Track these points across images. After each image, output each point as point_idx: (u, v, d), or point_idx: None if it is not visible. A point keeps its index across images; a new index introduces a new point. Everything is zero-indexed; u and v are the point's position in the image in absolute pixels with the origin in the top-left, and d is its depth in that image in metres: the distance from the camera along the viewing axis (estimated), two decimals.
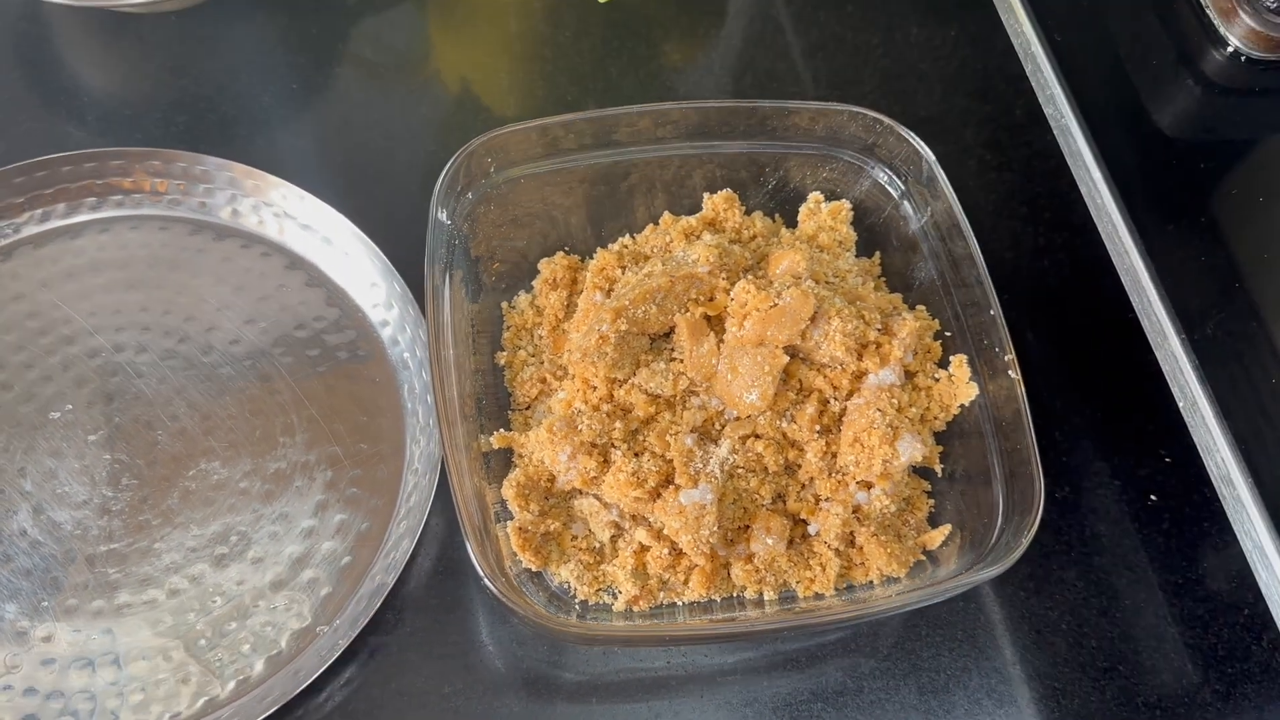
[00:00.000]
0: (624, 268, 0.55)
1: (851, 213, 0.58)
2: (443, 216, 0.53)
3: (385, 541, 0.53)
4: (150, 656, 0.50)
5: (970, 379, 0.53)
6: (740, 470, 0.50)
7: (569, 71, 0.70)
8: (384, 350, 0.58)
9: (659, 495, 0.49)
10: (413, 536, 0.52)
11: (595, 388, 0.50)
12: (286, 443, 0.55)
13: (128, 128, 0.64)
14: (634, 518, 0.51)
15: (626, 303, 0.50)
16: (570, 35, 0.71)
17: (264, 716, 0.48)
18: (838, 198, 0.59)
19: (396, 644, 0.52)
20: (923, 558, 0.52)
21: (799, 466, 0.51)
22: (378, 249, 0.58)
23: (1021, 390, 0.51)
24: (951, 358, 0.53)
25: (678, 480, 0.49)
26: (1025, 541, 0.47)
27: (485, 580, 0.45)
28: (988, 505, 0.51)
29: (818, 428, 0.51)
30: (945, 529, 0.52)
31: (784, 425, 0.51)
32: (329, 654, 0.50)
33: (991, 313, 0.52)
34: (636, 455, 0.50)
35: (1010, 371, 0.51)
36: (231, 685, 0.50)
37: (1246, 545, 0.48)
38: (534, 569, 0.50)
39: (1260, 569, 0.48)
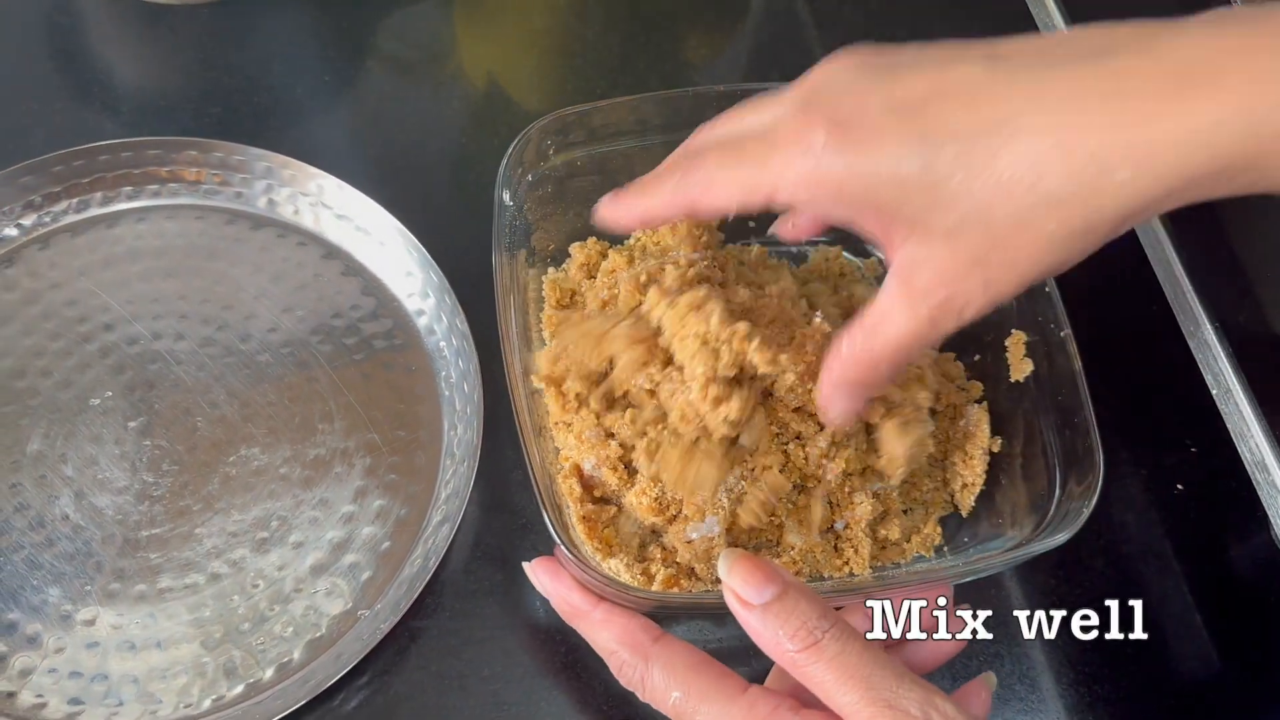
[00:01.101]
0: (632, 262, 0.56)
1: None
2: (506, 198, 0.54)
3: (425, 527, 0.54)
4: (192, 641, 0.51)
5: (1025, 355, 0.54)
6: (748, 496, 0.50)
7: (594, 66, 0.71)
8: (420, 339, 0.59)
9: (675, 519, 0.50)
10: (452, 522, 0.52)
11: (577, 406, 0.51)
12: (325, 429, 0.56)
13: (161, 119, 0.65)
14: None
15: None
16: (596, 30, 0.72)
17: (305, 701, 0.49)
18: None
19: (436, 628, 0.52)
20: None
21: (811, 483, 0.51)
22: (414, 238, 0.59)
23: (1078, 365, 0.51)
24: (1010, 335, 0.54)
25: (685, 511, 0.49)
26: (1087, 510, 0.48)
27: (564, 548, 0.45)
28: (1043, 478, 0.51)
29: (824, 460, 0.51)
30: (976, 488, 0.53)
31: (790, 448, 0.50)
32: (370, 638, 0.50)
33: (1046, 289, 0.53)
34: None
35: (1068, 346, 0.52)
36: (272, 670, 0.51)
37: (1277, 533, 0.49)
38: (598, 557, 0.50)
39: None
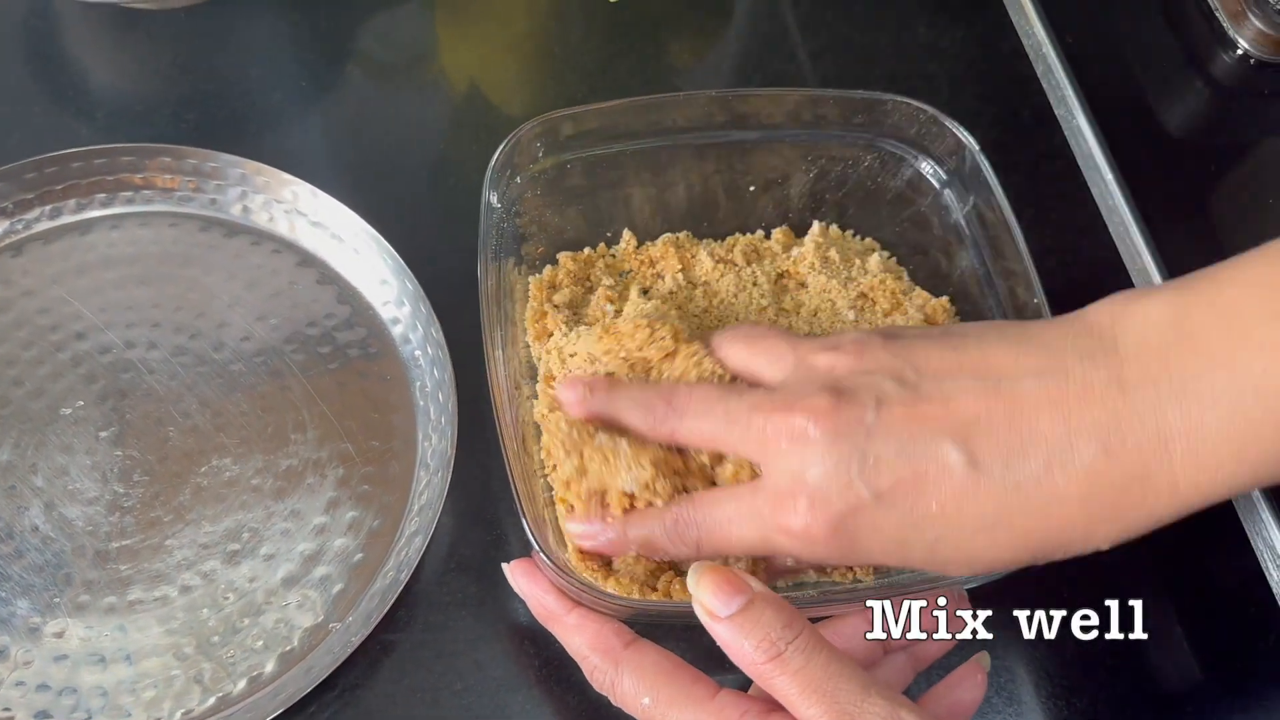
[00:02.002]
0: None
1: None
2: (493, 200, 0.54)
3: (398, 538, 0.53)
4: (162, 653, 0.50)
5: None
6: None
7: (577, 70, 0.70)
8: (395, 348, 0.58)
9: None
10: (425, 533, 0.52)
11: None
12: (298, 439, 0.55)
13: (137, 124, 0.64)
14: None
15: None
16: (578, 35, 0.71)
17: (276, 714, 0.48)
18: (879, 187, 0.59)
19: (409, 641, 0.52)
20: None
21: None
22: (389, 246, 0.58)
23: None
24: None
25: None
26: None
27: (542, 554, 0.46)
28: None
29: None
30: None
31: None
32: (341, 651, 0.50)
33: (1036, 301, 0.53)
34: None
35: None
36: (244, 683, 0.50)
37: (1258, 544, 0.48)
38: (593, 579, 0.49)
39: (1272, 569, 0.49)
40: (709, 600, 0.40)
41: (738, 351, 0.48)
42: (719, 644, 0.40)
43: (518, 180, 0.56)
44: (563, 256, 0.58)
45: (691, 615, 0.42)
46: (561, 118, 0.56)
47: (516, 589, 0.48)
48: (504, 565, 0.48)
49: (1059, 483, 0.40)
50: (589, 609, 0.46)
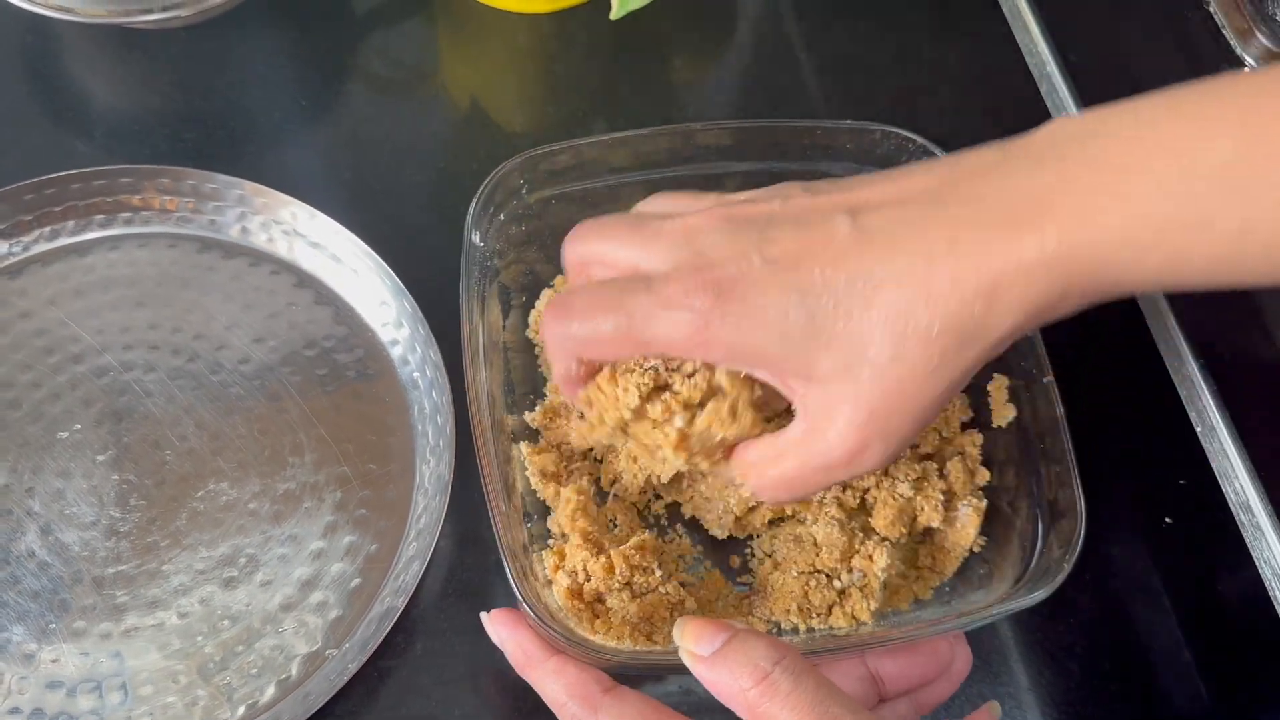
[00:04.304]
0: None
1: None
2: (476, 238, 0.53)
3: (395, 563, 0.53)
4: (158, 680, 0.50)
5: (1007, 401, 0.53)
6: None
7: (579, 88, 0.70)
8: (393, 369, 0.58)
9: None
10: (423, 559, 0.51)
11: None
12: (295, 463, 0.55)
13: (136, 144, 0.64)
14: None
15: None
16: (580, 52, 0.71)
17: None
18: None
19: (406, 668, 0.51)
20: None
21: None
22: (387, 267, 0.58)
23: (1060, 411, 0.51)
24: (991, 381, 0.54)
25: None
26: (1068, 565, 0.48)
27: (526, 606, 0.45)
28: (1029, 528, 0.51)
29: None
30: (971, 528, 0.52)
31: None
32: (338, 678, 0.49)
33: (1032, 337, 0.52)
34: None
35: (1050, 392, 0.52)
36: (241, 710, 0.50)
37: (1266, 574, 0.48)
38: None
39: (1278, 593, 0.48)
40: (694, 645, 0.40)
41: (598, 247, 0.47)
42: (708, 687, 0.40)
43: (500, 218, 0.55)
44: (559, 281, 0.57)
45: (677, 662, 0.41)
46: (544, 154, 0.55)
47: (495, 638, 0.47)
48: (483, 615, 0.48)
49: (935, 241, 0.41)
50: (569, 656, 0.45)
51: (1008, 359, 0.53)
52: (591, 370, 0.47)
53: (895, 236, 0.41)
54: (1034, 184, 0.40)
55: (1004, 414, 0.53)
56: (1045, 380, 0.52)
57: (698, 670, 0.40)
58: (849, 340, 0.41)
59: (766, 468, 0.45)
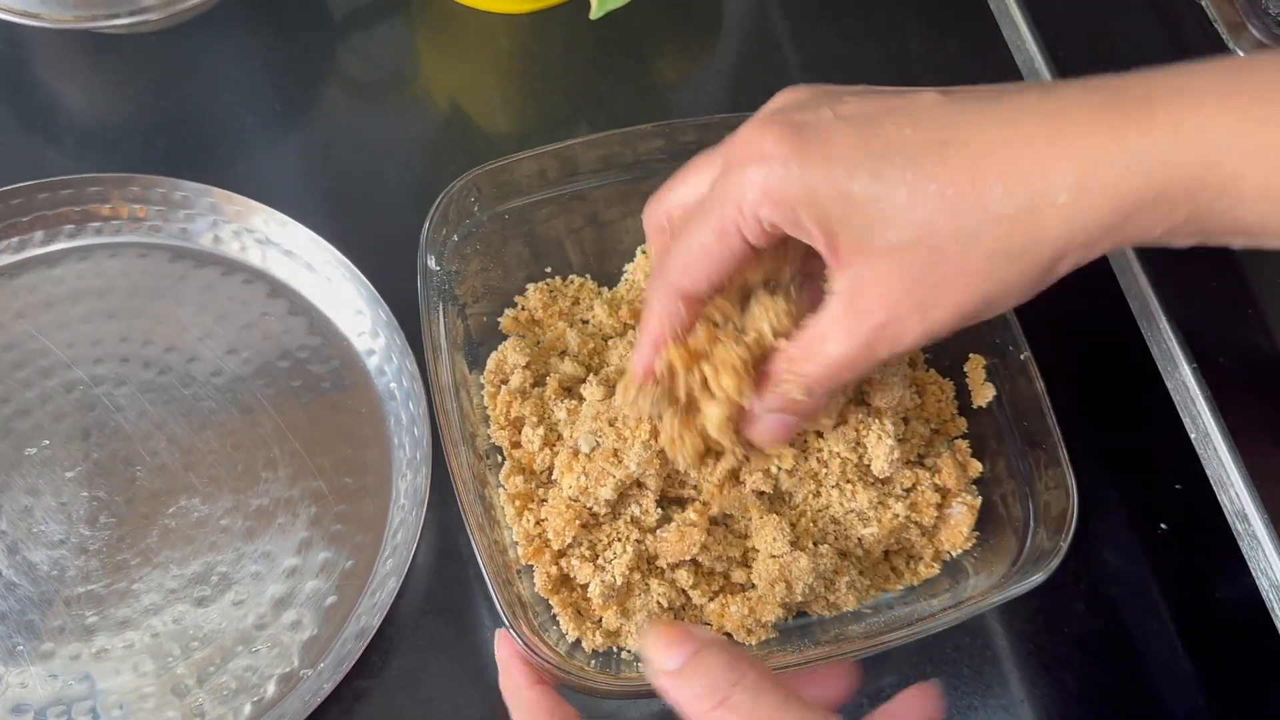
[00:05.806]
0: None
1: None
2: (432, 263, 0.52)
3: (371, 580, 0.51)
4: (130, 702, 0.49)
5: (985, 380, 0.52)
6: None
7: (560, 89, 0.68)
8: (370, 380, 0.56)
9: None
10: (399, 575, 0.50)
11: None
12: (269, 478, 0.54)
13: (107, 151, 0.63)
14: None
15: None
16: (561, 52, 0.70)
17: None
18: None
19: (382, 687, 0.50)
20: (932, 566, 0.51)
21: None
22: (363, 275, 0.56)
23: (1041, 387, 0.50)
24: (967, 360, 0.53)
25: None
26: (1064, 545, 0.47)
27: (509, 629, 0.45)
28: (1016, 514, 0.50)
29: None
30: (964, 527, 0.51)
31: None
32: (313, 698, 0.48)
33: (1022, 353, 0.51)
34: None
35: (1028, 368, 0.51)
36: None
37: (1262, 583, 0.47)
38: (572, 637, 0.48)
39: (1275, 604, 0.47)
40: (657, 657, 0.39)
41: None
42: (670, 703, 0.39)
43: (455, 239, 0.54)
44: (507, 347, 0.54)
45: (651, 690, 0.40)
46: (494, 169, 0.54)
47: (499, 656, 0.45)
48: (498, 631, 0.46)
49: (1029, 114, 0.38)
50: (550, 689, 0.44)
51: (983, 334, 0.53)
52: (689, 323, 0.45)
53: (986, 109, 0.38)
54: (1149, 84, 0.37)
55: (984, 394, 0.52)
56: (1023, 356, 0.51)
57: (661, 685, 0.39)
58: (910, 211, 0.38)
59: (815, 348, 0.42)
